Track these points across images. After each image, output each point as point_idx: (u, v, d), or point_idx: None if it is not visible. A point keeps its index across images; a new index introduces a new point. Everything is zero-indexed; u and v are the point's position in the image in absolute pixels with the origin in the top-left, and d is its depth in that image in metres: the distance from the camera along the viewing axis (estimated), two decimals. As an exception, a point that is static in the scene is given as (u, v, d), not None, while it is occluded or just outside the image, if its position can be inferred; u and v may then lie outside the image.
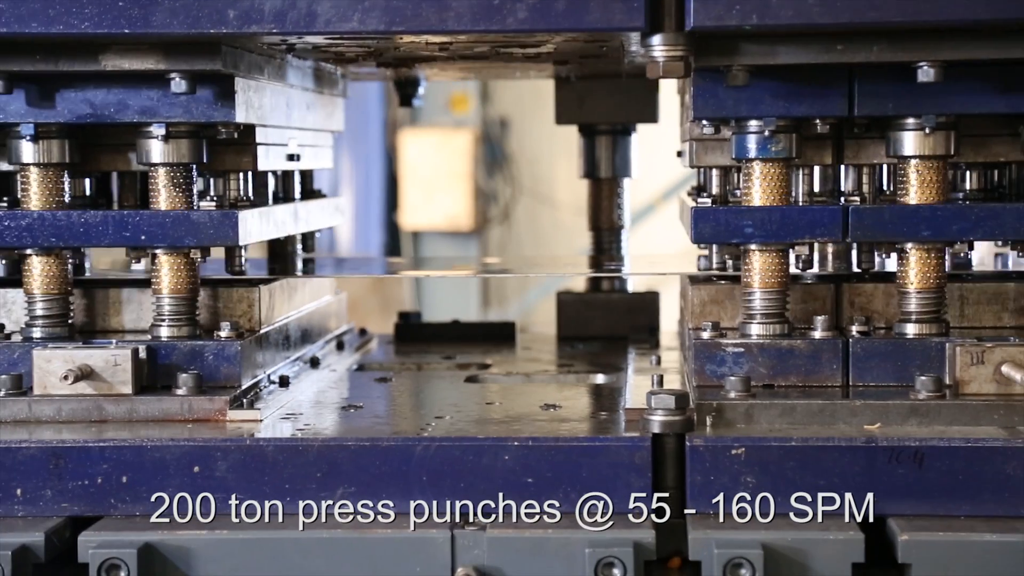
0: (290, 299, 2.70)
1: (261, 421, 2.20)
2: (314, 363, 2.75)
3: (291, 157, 2.72)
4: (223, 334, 2.32)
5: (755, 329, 2.24)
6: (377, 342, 3.24)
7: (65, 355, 2.20)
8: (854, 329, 2.24)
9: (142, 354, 2.23)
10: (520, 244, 9.74)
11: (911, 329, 2.24)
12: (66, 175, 2.34)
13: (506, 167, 9.76)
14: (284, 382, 2.50)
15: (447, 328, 3.38)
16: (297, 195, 2.87)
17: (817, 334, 2.23)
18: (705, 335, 2.25)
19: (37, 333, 2.31)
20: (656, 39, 2.04)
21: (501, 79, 4.28)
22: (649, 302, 3.27)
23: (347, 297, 3.23)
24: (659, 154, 3.45)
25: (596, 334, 3.19)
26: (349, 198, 8.93)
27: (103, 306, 2.43)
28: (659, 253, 3.68)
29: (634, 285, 3.35)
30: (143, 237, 2.29)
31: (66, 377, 2.18)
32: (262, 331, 2.45)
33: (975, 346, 2.13)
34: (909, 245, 2.22)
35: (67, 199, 2.34)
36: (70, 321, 2.34)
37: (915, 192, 2.22)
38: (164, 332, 2.31)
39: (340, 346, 3.01)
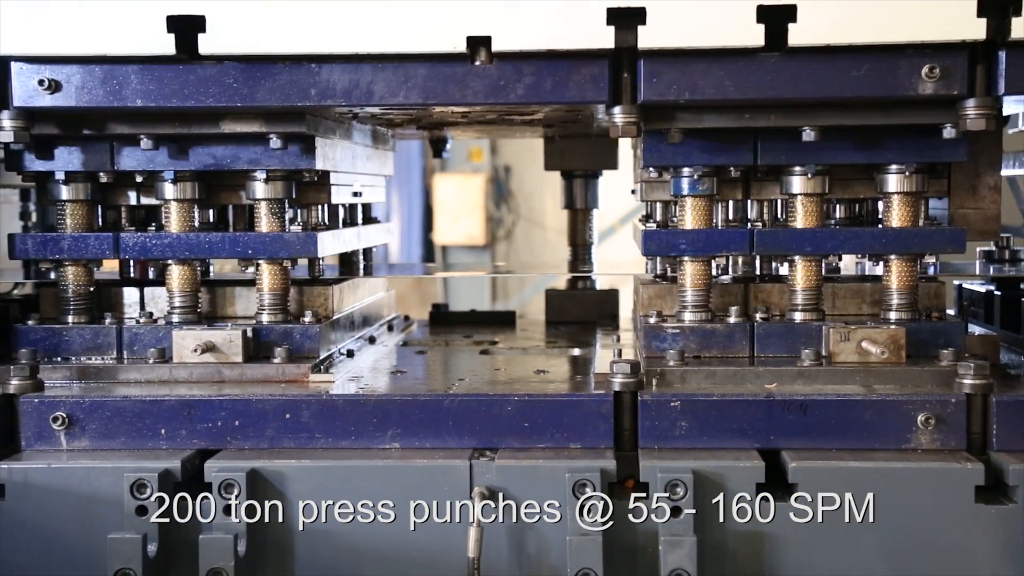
0: (354, 294, 2.71)
1: (333, 382, 2.21)
2: (371, 340, 2.76)
3: (355, 194, 2.74)
4: (306, 319, 2.33)
5: (687, 316, 2.25)
6: (417, 325, 3.24)
7: (195, 334, 2.23)
8: (758, 316, 2.24)
9: (249, 334, 2.24)
10: (519, 255, 9.70)
11: (798, 316, 2.24)
12: (196, 207, 2.35)
13: (509, 200, 9.75)
14: (350, 354, 2.51)
15: (467, 315, 3.37)
16: (359, 221, 2.87)
17: (731, 320, 2.23)
18: (652, 320, 2.27)
19: (175, 319, 2.32)
20: (616, 109, 2.04)
21: (506, 137, 4.22)
22: (612, 297, 3.26)
23: (395, 293, 3.23)
24: (618, 190, 3.45)
25: (574, 319, 3.18)
26: (397, 222, 8.94)
27: (221, 299, 2.42)
28: (618, 261, 3.63)
29: (600, 284, 3.35)
30: (250, 251, 2.30)
31: (196, 350, 2.21)
32: (334, 317, 2.45)
33: (843, 328, 2.15)
34: (796, 257, 2.23)
35: (196, 224, 2.36)
36: (199, 310, 2.35)
37: (800, 220, 2.22)
38: (265, 318, 2.32)
39: (390, 328, 3.01)
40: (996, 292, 2.74)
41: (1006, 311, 2.68)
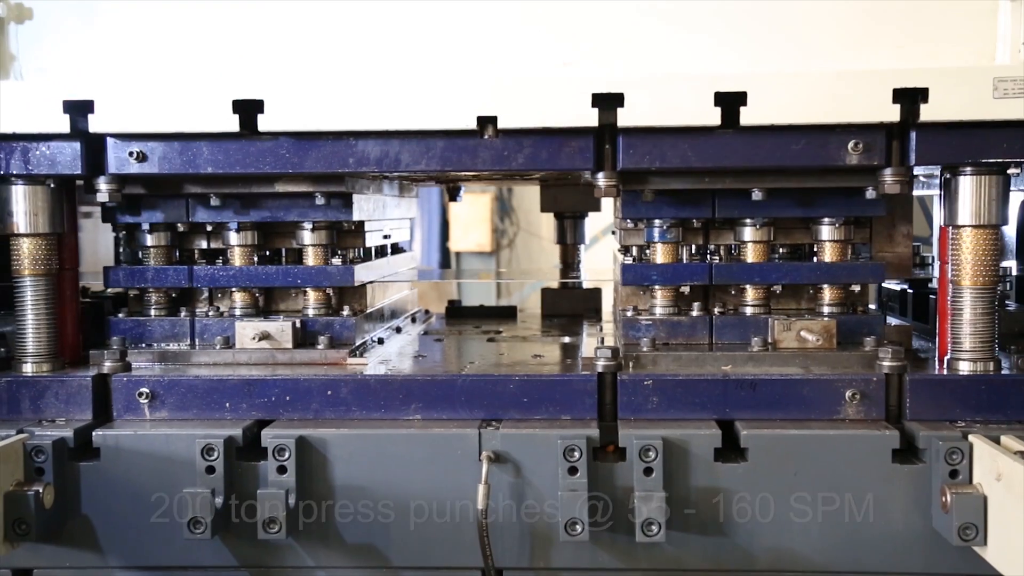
0: (384, 292, 2.71)
1: (367, 364, 2.20)
2: (398, 330, 2.75)
3: (385, 236, 2.72)
4: (345, 313, 2.32)
5: (658, 311, 2.24)
6: (435, 318, 3.22)
7: (253, 325, 2.23)
8: (716, 311, 2.23)
9: (298, 325, 2.24)
10: (519, 261, 9.71)
11: (749, 310, 2.23)
12: (255, 252, 2.34)
13: (511, 215, 9.75)
14: (381, 341, 2.50)
15: (476, 310, 3.36)
16: (388, 252, 2.84)
17: (694, 314, 2.22)
18: (629, 314, 2.26)
19: (238, 312, 2.32)
20: (600, 175, 2.03)
21: (509, 186, 4.18)
22: (596, 294, 3.25)
23: (418, 292, 3.22)
24: (602, 205, 3.43)
25: (565, 313, 3.17)
26: (419, 233, 8.93)
27: (275, 296, 2.41)
28: (600, 268, 3.63)
29: (586, 285, 3.33)
30: (299, 281, 2.30)
31: (254, 338, 2.21)
32: (368, 311, 2.45)
33: (785, 320, 2.14)
34: (747, 286, 2.24)
35: (255, 261, 2.34)
36: (257, 305, 2.35)
37: (750, 258, 2.23)
38: (311, 312, 2.32)
39: (413, 320, 3.00)
40: (909, 290, 2.74)
41: (917, 306, 2.68)
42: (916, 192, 2.40)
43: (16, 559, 1.97)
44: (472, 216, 9.33)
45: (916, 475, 1.90)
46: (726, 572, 1.94)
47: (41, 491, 1.86)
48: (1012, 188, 2.05)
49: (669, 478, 1.89)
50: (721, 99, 1.93)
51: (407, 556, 1.96)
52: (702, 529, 1.92)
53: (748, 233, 2.21)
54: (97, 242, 2.50)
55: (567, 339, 2.70)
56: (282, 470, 1.92)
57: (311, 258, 2.32)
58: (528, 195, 9.50)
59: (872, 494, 1.90)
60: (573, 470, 1.88)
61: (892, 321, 2.48)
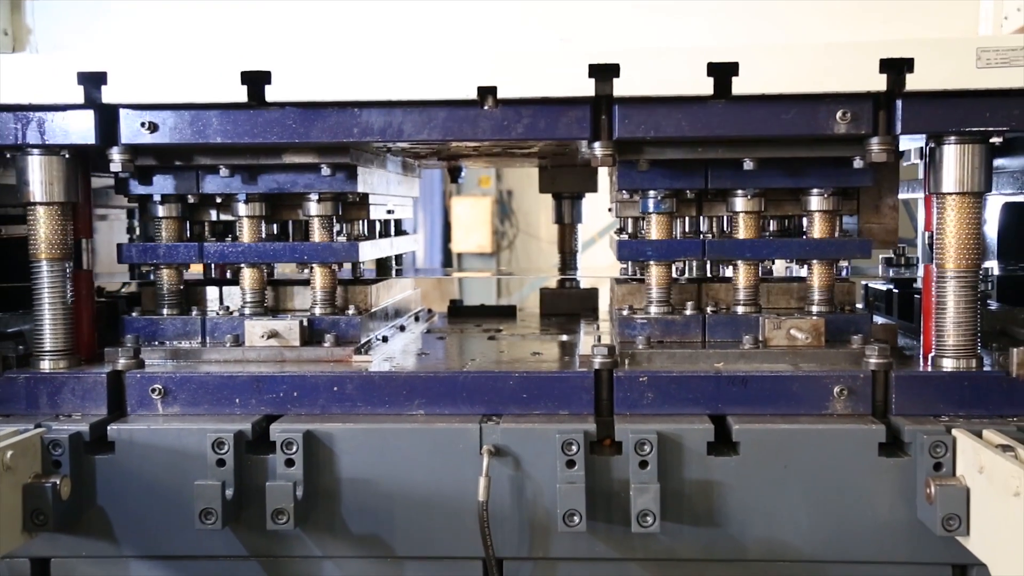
0: (388, 292, 2.70)
1: (371, 362, 2.19)
2: (402, 329, 2.74)
3: (389, 211, 2.71)
4: (350, 312, 2.31)
5: (653, 309, 2.24)
6: (438, 317, 3.21)
7: (262, 324, 2.21)
8: (708, 310, 2.23)
9: (305, 323, 2.22)
10: (518, 261, 9.71)
11: (740, 309, 2.23)
12: (263, 222, 2.34)
13: (511, 217, 9.75)
14: (385, 339, 2.49)
15: (477, 308, 3.35)
16: (392, 233, 2.85)
17: (688, 312, 2.22)
18: (624, 313, 2.25)
19: (247, 311, 2.31)
20: (596, 144, 2.02)
21: (509, 167, 4.23)
22: (593, 294, 3.24)
23: (421, 291, 3.20)
24: (597, 211, 3.42)
25: (562, 312, 3.16)
26: (422, 235, 8.95)
27: (283, 296, 2.41)
28: (597, 267, 3.63)
29: (583, 284, 3.32)
30: (305, 257, 2.29)
31: (263, 336, 2.20)
32: (372, 310, 2.44)
33: (775, 319, 2.13)
34: (739, 262, 2.22)
35: (263, 236, 2.34)
36: (265, 304, 2.34)
37: (742, 232, 2.21)
38: (317, 311, 2.31)
39: (416, 319, 2.99)
40: (895, 290, 2.73)
41: (902, 305, 2.67)
42: (901, 196, 2.40)
43: (34, 548, 1.97)
44: (473, 218, 9.34)
45: (901, 468, 1.89)
46: (719, 561, 1.94)
47: (58, 483, 1.86)
48: (993, 191, 2.05)
49: (663, 471, 1.89)
50: (714, 69, 1.92)
51: (410, 546, 1.95)
52: (695, 520, 1.92)
53: (740, 204, 2.20)
54: (111, 244, 2.50)
55: (565, 337, 2.69)
56: (290, 463, 1.91)
57: (316, 231, 2.30)
58: (527, 198, 9.50)
59: (859, 486, 1.90)
60: (571, 463, 1.87)
61: (878, 320, 2.47)
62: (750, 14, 2.01)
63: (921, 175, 2.13)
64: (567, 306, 3.19)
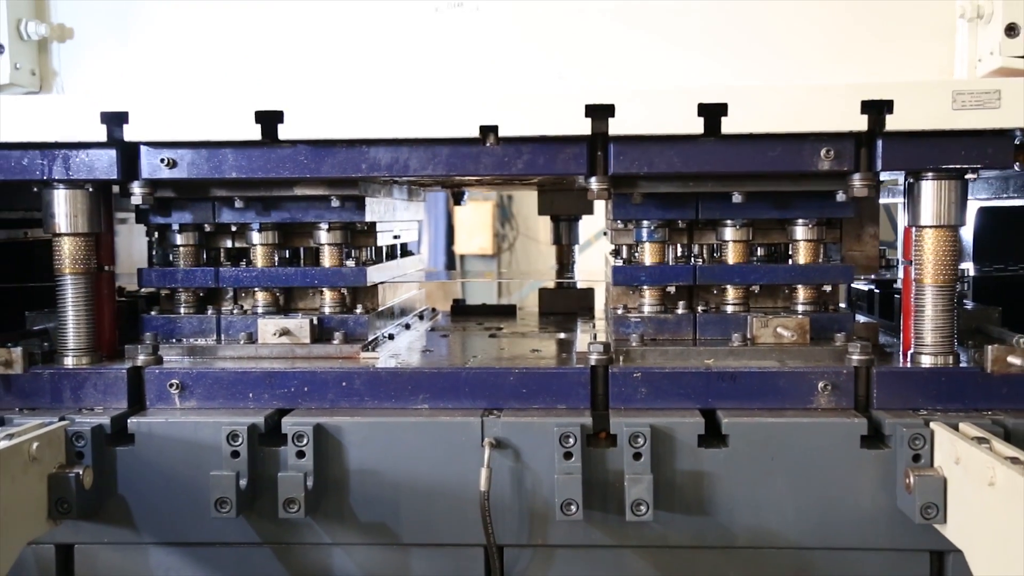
0: (395, 292, 2.69)
1: (378, 358, 2.19)
2: (407, 327, 2.73)
3: (395, 237, 2.71)
4: (358, 311, 2.31)
5: (646, 308, 2.24)
6: (441, 315, 3.21)
7: (275, 322, 2.22)
8: (699, 309, 2.23)
9: (315, 322, 2.23)
10: (519, 263, 9.70)
11: (730, 309, 2.23)
12: (275, 250, 2.34)
13: (511, 221, 9.74)
14: (391, 337, 2.49)
15: (479, 308, 3.34)
16: (398, 255, 2.82)
17: (680, 311, 2.22)
18: (619, 312, 2.25)
19: (260, 310, 2.32)
20: (592, 179, 2.02)
21: (509, 192, 4.17)
22: (589, 294, 3.23)
23: (425, 291, 3.21)
24: (595, 212, 3.41)
25: (560, 311, 3.16)
26: (427, 237, 8.92)
27: (294, 295, 2.39)
28: (593, 268, 3.62)
29: (580, 285, 3.32)
30: (316, 282, 2.30)
31: (275, 334, 2.20)
32: (379, 309, 2.44)
33: (763, 318, 2.14)
34: (727, 285, 2.23)
35: (276, 261, 2.34)
36: (277, 303, 2.33)
37: (731, 259, 2.22)
38: (327, 310, 2.31)
39: (421, 317, 2.98)
40: (876, 290, 2.73)
41: (883, 304, 2.67)
42: (882, 200, 2.39)
43: (59, 535, 1.98)
44: (475, 222, 9.34)
45: (882, 459, 1.89)
46: (709, 548, 1.94)
47: (81, 473, 1.87)
48: (969, 197, 2.05)
49: (656, 462, 1.89)
50: (704, 110, 1.93)
51: (415, 533, 1.95)
52: (687, 509, 1.92)
53: (729, 233, 2.21)
54: (131, 246, 2.51)
55: (563, 335, 2.69)
56: (301, 455, 1.91)
57: (327, 257, 2.31)
58: (527, 202, 9.48)
59: (842, 477, 1.90)
60: (568, 455, 1.87)
61: (860, 319, 2.47)
62: (739, 56, 2.02)
63: (901, 209, 2.13)
64: (565, 305, 3.18)
